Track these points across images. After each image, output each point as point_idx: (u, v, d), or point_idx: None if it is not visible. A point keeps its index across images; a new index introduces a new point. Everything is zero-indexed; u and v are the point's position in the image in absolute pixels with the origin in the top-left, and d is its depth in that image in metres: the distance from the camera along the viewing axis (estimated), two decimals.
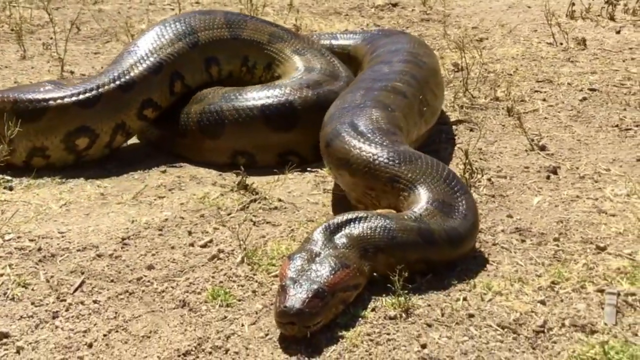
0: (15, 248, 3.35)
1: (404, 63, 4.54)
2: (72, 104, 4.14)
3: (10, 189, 3.96)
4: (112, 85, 4.25)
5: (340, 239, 2.98)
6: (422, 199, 3.25)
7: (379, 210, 3.26)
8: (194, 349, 2.70)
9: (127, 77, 4.31)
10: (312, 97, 4.29)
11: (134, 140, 4.69)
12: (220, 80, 4.69)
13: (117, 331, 2.82)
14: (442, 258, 3.13)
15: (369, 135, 3.58)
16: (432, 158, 3.49)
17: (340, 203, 3.71)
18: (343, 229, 3.02)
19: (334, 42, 5.41)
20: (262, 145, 4.27)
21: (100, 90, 4.21)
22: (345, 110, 3.87)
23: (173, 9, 7.96)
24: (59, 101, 4.14)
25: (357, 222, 3.05)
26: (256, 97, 4.30)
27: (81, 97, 4.17)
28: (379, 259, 2.98)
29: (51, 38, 6.65)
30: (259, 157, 4.28)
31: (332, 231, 3.01)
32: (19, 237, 3.44)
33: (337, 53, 5.14)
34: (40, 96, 4.17)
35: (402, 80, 4.27)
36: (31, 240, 3.42)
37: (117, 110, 4.26)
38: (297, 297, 2.69)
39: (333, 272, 2.80)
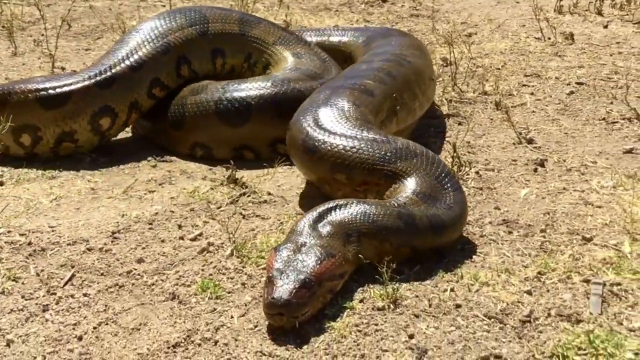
0: (5, 242, 3.33)
1: (384, 62, 4.47)
2: (93, 85, 4.22)
3: (1, 183, 3.95)
4: (122, 65, 4.33)
5: (324, 227, 2.99)
6: (408, 190, 3.25)
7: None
8: (183, 340, 2.69)
9: (136, 56, 4.39)
10: (268, 94, 4.26)
11: (124, 135, 4.68)
12: (224, 73, 4.74)
13: (107, 324, 2.81)
14: (424, 244, 3.13)
15: (358, 131, 3.54)
16: (427, 152, 3.49)
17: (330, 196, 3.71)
18: (325, 217, 3.03)
19: (335, 39, 5.42)
20: (218, 139, 4.30)
21: (113, 70, 4.30)
22: (310, 109, 3.76)
23: (164, 6, 7.93)
24: (80, 84, 4.20)
25: (338, 209, 3.07)
26: (214, 91, 4.34)
27: (99, 78, 4.24)
28: (363, 243, 3.00)
29: (42, 34, 6.62)
30: (215, 150, 4.31)
31: (315, 220, 3.02)
32: (9, 232, 3.43)
33: (336, 51, 5.19)
34: (62, 82, 4.22)
35: (375, 77, 4.17)
36: (21, 235, 3.41)
37: (130, 90, 4.33)
38: (284, 288, 2.69)
39: (319, 261, 2.81)
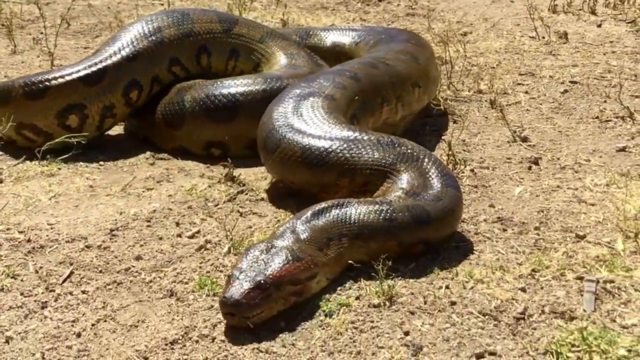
0: (4, 239, 3.33)
1: (357, 64, 4.38)
2: (123, 60, 4.33)
3: (0, 181, 3.93)
4: (145, 41, 4.46)
5: (303, 232, 2.95)
6: (398, 189, 3.25)
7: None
8: (181, 337, 2.69)
9: (159, 34, 4.52)
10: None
11: (120, 132, 4.67)
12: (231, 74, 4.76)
13: (105, 321, 2.80)
14: (410, 238, 3.09)
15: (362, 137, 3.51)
16: (419, 149, 3.48)
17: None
18: (308, 222, 3.00)
19: (339, 39, 5.43)
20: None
21: (138, 46, 4.43)
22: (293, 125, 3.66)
23: (162, 4, 7.92)
24: (113, 59, 4.33)
25: (321, 214, 3.04)
26: (183, 88, 4.41)
27: (125, 52, 4.38)
28: (348, 245, 2.98)
29: (41, 33, 6.60)
30: (190, 147, 4.34)
31: (297, 224, 2.99)
32: (8, 229, 3.42)
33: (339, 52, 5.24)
34: (98, 59, 4.33)
35: (338, 84, 4.03)
36: (20, 232, 3.40)
37: (153, 64, 4.44)
38: (237, 288, 2.67)
39: (281, 264, 2.77)
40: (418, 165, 3.35)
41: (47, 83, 4.21)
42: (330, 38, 5.42)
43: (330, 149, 3.46)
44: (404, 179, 3.31)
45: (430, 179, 3.29)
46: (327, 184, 3.48)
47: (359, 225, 3.02)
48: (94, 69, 4.27)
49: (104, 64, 4.31)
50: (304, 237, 2.93)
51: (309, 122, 3.63)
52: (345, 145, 3.46)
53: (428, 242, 3.15)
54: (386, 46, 4.89)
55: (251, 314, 2.66)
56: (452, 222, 3.28)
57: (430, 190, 3.22)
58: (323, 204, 3.10)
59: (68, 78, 4.22)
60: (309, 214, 3.04)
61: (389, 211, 3.07)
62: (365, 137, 3.49)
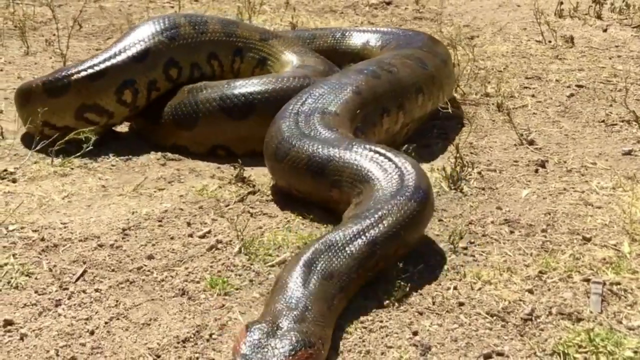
0: (18, 238, 3.34)
1: (360, 75, 4.24)
2: (165, 40, 4.54)
3: (14, 180, 3.95)
4: (185, 23, 4.68)
5: (306, 308, 2.57)
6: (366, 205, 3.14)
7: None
8: (192, 335, 2.70)
9: (201, 18, 4.80)
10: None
11: (131, 131, 4.69)
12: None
13: (118, 319, 2.82)
14: (390, 252, 2.98)
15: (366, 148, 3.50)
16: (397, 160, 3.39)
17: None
18: (304, 287, 2.65)
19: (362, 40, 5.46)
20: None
21: (178, 29, 4.63)
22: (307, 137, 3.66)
23: (172, 7, 7.94)
24: (157, 38, 4.51)
25: (310, 270, 2.72)
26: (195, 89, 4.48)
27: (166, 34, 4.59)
28: (347, 288, 2.78)
29: (54, 34, 6.62)
30: (192, 148, 4.37)
31: (293, 296, 2.62)
32: (22, 228, 3.44)
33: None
34: (142, 35, 4.51)
35: (340, 100, 3.98)
36: (34, 231, 3.41)
37: (193, 51, 4.63)
38: None
39: (293, 352, 2.36)
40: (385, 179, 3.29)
41: (107, 63, 4.36)
42: (361, 39, 5.44)
43: (325, 160, 3.47)
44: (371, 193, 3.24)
45: (397, 192, 3.16)
46: (323, 195, 3.51)
47: (352, 266, 2.81)
48: (139, 47, 4.46)
49: (147, 43, 4.48)
50: (310, 315, 2.55)
51: (313, 134, 3.65)
52: (337, 157, 3.46)
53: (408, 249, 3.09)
54: (397, 50, 4.87)
55: None
56: (422, 227, 3.21)
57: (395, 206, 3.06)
58: (307, 254, 2.78)
59: (123, 56, 4.40)
60: (299, 275, 2.69)
61: (369, 239, 2.89)
62: (357, 150, 3.46)
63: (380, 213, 3.00)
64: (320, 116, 3.81)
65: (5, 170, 4.05)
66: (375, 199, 3.13)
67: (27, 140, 4.49)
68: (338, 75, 4.35)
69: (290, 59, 4.83)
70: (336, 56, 5.29)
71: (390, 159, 3.36)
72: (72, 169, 4.13)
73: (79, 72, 4.33)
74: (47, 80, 4.35)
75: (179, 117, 4.38)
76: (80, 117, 4.33)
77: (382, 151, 3.41)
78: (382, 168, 3.33)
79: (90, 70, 4.32)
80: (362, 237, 2.91)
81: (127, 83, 4.37)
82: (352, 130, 3.85)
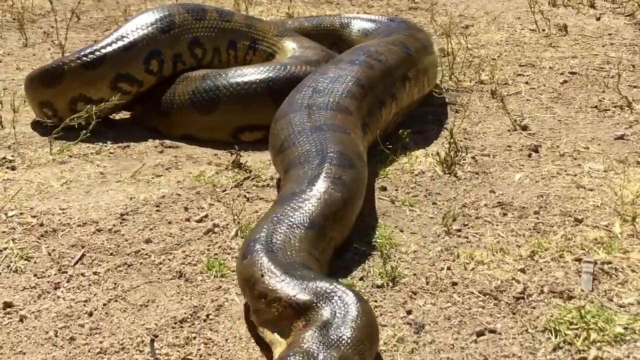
0: (18, 223, 3.35)
1: (358, 67, 4.13)
2: (191, 18, 4.72)
3: (13, 168, 3.96)
4: (215, 13, 4.87)
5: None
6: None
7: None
8: (189, 316, 2.71)
9: (229, 15, 4.94)
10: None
11: (128, 119, 4.69)
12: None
13: (116, 300, 2.83)
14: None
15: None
16: None
17: None
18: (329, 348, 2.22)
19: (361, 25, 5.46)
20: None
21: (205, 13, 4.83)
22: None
23: None
24: (183, 15, 4.68)
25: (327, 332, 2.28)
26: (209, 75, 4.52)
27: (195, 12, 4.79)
28: None
29: (52, 27, 6.63)
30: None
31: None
32: (21, 214, 3.45)
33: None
34: (169, 10, 4.69)
35: (349, 94, 3.90)
36: (33, 217, 3.42)
37: (216, 38, 4.78)
38: None
39: None
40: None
41: (134, 34, 4.48)
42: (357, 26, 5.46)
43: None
44: None
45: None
46: None
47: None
48: (165, 21, 4.59)
49: (172, 17, 4.63)
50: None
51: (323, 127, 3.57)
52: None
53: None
54: (381, 37, 4.82)
55: None
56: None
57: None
58: (324, 316, 2.34)
59: (150, 28, 4.53)
60: (318, 336, 2.25)
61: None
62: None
63: None
64: (333, 113, 3.70)
65: (4, 158, 4.06)
66: None
67: (25, 129, 4.51)
68: (333, 68, 4.18)
69: (292, 48, 4.87)
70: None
71: None
72: (71, 156, 4.14)
73: (111, 44, 4.43)
74: (83, 54, 4.42)
75: (199, 102, 4.38)
76: (115, 87, 4.41)
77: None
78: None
79: (121, 43, 4.44)
80: None
81: (153, 53, 4.48)
82: (360, 125, 3.80)
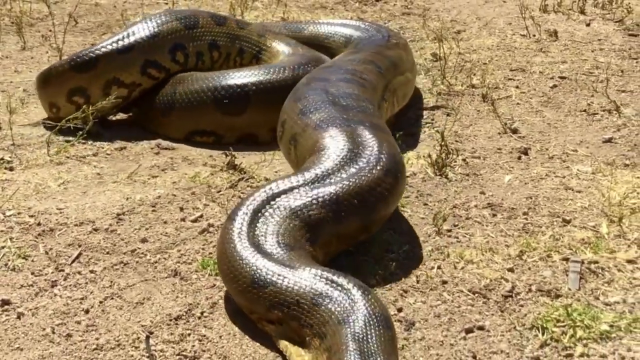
0: (15, 223, 3.37)
1: (352, 85, 3.97)
2: (213, 22, 4.92)
3: (11, 169, 3.98)
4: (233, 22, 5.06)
5: None
6: None
7: None
8: (184, 313, 2.74)
9: (245, 25, 5.18)
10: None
11: (125, 122, 4.71)
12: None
13: (112, 298, 2.85)
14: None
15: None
16: None
17: None
18: None
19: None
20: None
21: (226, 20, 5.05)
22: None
23: (167, 3, 7.95)
24: (207, 19, 4.87)
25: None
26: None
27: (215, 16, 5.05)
28: None
29: (50, 30, 6.63)
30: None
31: None
32: (19, 213, 3.47)
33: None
34: (194, 11, 4.96)
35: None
36: (31, 216, 3.44)
37: (233, 41, 4.93)
38: None
39: None
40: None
41: (161, 25, 4.66)
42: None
43: None
44: None
45: None
46: None
47: None
48: (191, 19, 4.79)
49: (197, 18, 4.83)
50: None
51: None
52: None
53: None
54: (355, 54, 4.70)
55: None
56: None
57: None
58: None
59: (176, 23, 4.71)
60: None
61: None
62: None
63: None
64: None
65: (2, 159, 4.08)
66: None
67: (23, 131, 4.53)
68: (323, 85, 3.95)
69: (284, 51, 4.91)
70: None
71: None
72: (68, 158, 4.16)
73: (140, 31, 4.61)
74: (114, 40, 4.56)
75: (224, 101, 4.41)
76: (145, 72, 4.55)
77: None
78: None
79: (148, 31, 4.62)
80: None
81: (177, 46, 4.65)
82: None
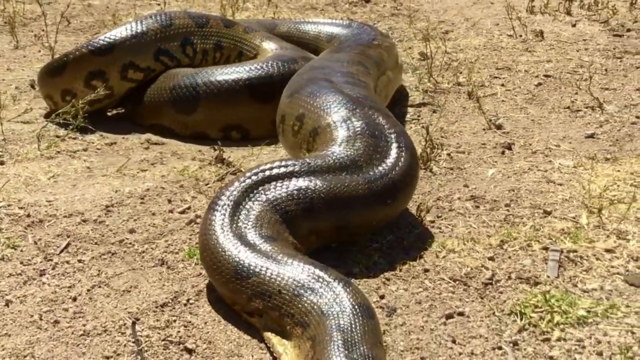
0: (5, 214, 3.39)
1: (352, 84, 3.96)
2: (221, 22, 5.07)
3: (2, 163, 4.00)
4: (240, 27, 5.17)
5: None
6: None
7: None
8: (170, 301, 2.76)
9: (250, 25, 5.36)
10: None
11: (115, 117, 4.74)
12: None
13: (99, 286, 2.87)
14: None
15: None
16: None
17: None
18: None
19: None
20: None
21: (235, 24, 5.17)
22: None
23: (159, 4, 7.98)
24: (217, 20, 5.03)
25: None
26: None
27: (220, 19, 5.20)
28: None
29: (43, 30, 6.65)
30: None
31: None
32: (9, 205, 3.49)
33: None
34: (208, 14, 5.09)
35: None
36: (20, 208, 3.46)
37: (236, 42, 5.04)
38: None
39: None
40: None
41: (174, 18, 4.82)
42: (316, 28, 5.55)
43: None
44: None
45: None
46: None
47: None
48: (202, 19, 4.96)
49: (207, 18, 5.00)
50: None
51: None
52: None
53: None
54: (343, 54, 4.69)
55: None
56: None
57: None
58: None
59: (187, 19, 4.87)
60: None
61: None
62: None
63: None
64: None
65: None
66: None
67: (14, 126, 4.54)
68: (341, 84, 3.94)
69: (270, 49, 4.95)
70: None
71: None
72: (58, 152, 4.18)
73: (153, 18, 4.77)
74: (128, 26, 4.69)
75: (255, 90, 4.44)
76: (157, 59, 4.67)
77: None
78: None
79: (160, 21, 4.75)
80: None
81: (187, 41, 4.79)
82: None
